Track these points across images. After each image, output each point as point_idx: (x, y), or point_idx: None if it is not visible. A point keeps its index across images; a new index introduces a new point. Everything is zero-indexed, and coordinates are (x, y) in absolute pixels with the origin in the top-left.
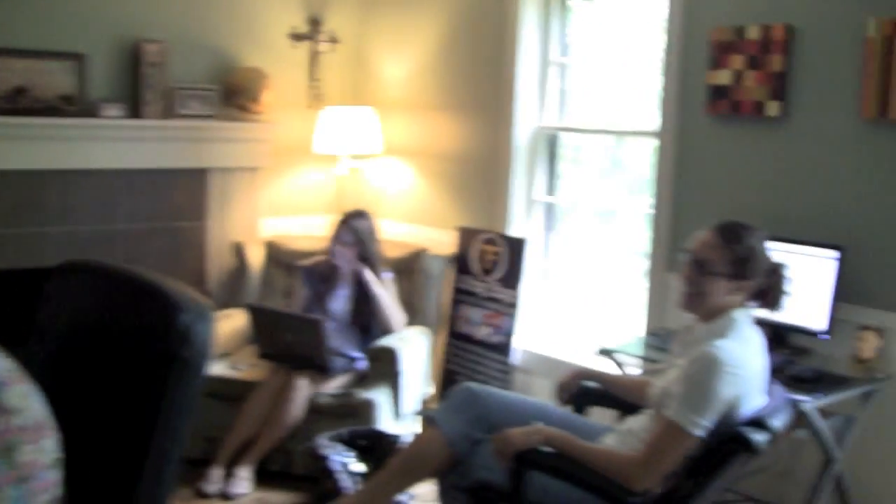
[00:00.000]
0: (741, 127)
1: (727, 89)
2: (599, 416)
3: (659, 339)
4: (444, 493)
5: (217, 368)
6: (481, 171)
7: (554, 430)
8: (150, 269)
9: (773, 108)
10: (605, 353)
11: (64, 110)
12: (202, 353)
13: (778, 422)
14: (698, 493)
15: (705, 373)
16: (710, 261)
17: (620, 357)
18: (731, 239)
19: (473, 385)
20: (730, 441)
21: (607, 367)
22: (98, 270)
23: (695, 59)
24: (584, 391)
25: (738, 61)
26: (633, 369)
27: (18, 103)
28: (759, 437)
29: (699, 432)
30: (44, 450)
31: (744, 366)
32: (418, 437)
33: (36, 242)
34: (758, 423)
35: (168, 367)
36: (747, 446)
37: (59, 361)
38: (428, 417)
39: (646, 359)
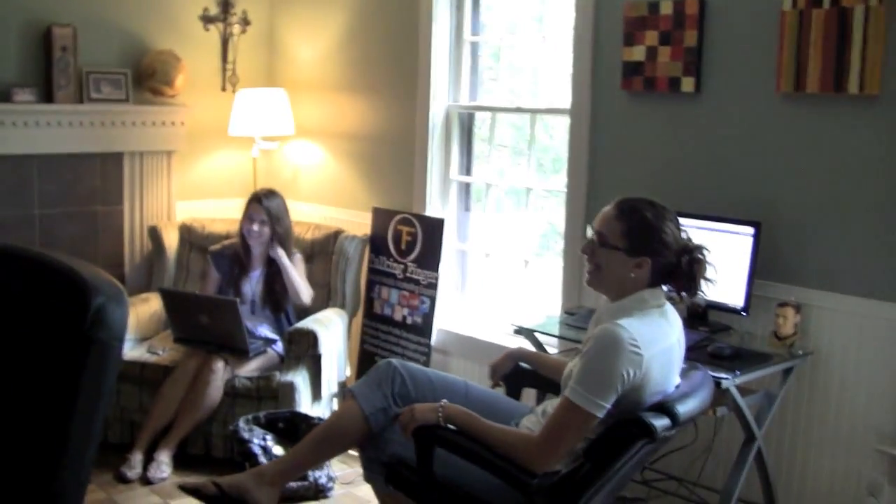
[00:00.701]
0: (656, 103)
1: (641, 65)
2: (532, 397)
3: (576, 318)
4: (366, 466)
5: (135, 353)
6: (397, 151)
7: (457, 408)
8: (65, 254)
9: (687, 84)
10: (522, 332)
11: None
12: (117, 335)
13: (685, 407)
14: (599, 474)
15: (602, 350)
16: (606, 234)
17: (539, 337)
18: (627, 211)
19: (395, 361)
20: (629, 425)
21: (530, 346)
22: (9, 253)
23: (608, 36)
24: (516, 372)
25: (651, 37)
26: (553, 349)
27: None
28: (660, 423)
29: (596, 412)
30: None
31: (647, 346)
32: (337, 411)
33: None
34: (661, 407)
35: (83, 349)
36: (647, 432)
37: None
38: (347, 391)
39: (563, 338)
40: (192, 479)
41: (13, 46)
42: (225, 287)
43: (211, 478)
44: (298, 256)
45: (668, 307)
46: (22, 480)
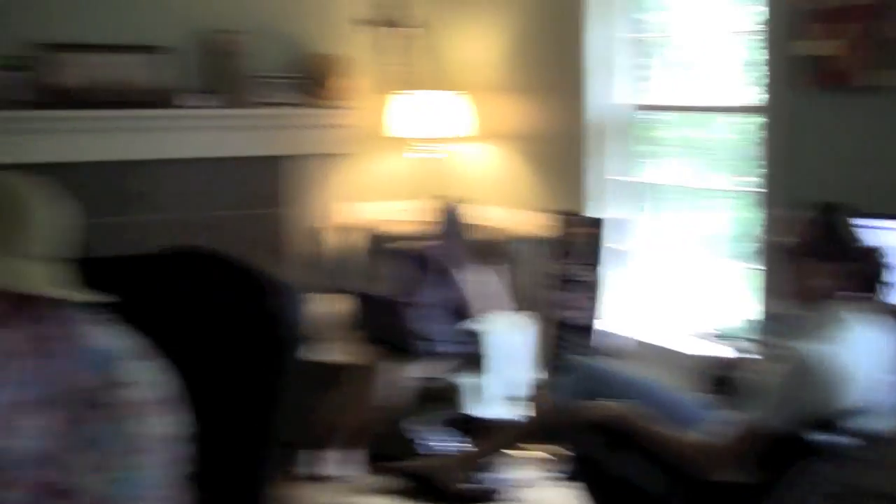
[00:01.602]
0: (851, 99)
1: (836, 60)
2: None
3: (772, 324)
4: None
5: (317, 353)
6: (564, 151)
7: (631, 410)
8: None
9: (886, 78)
10: (721, 336)
11: (144, 102)
12: (297, 334)
13: (868, 422)
14: (770, 489)
15: (792, 375)
16: (797, 242)
17: (736, 342)
18: (822, 219)
19: (582, 359)
20: (793, 441)
21: (723, 351)
22: (192, 254)
23: (796, 30)
24: (719, 379)
25: (848, 30)
26: (750, 354)
27: (100, 96)
28: (824, 439)
29: (773, 428)
30: (159, 425)
31: (839, 370)
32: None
33: (119, 231)
34: (831, 423)
35: (265, 349)
36: (810, 449)
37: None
38: (536, 389)
39: (760, 343)
40: (379, 478)
41: (181, 53)
42: (407, 288)
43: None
44: (485, 267)
45: (871, 321)
46: (219, 476)
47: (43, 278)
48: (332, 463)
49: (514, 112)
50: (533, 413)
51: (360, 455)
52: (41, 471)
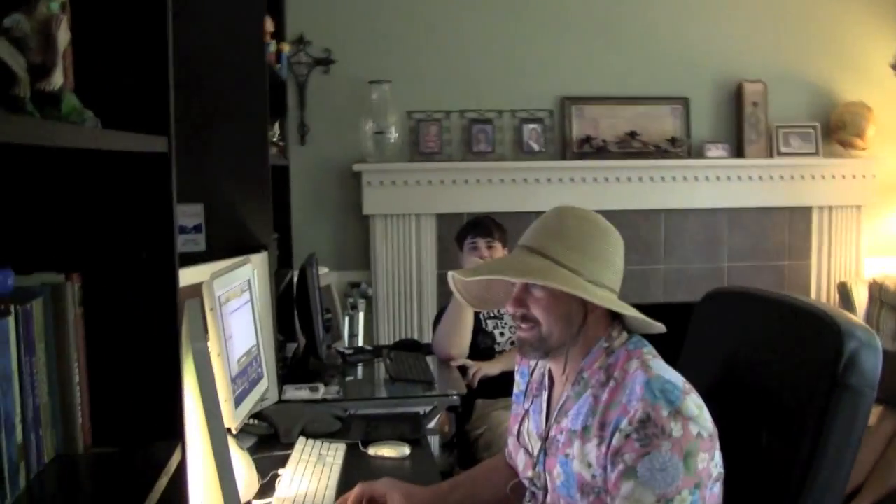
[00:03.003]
0: None
1: None
2: None
3: None
4: None
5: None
6: None
7: None
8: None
9: None
10: None
11: (671, 152)
12: (869, 381)
13: None
14: None
15: None
16: None
17: None
18: None
19: None
20: None
21: None
22: (749, 296)
23: None
24: None
25: None
26: None
27: (631, 147)
28: None
29: None
30: (714, 461)
31: None
32: None
33: (646, 279)
34: None
35: (832, 395)
36: None
37: (709, 386)
38: None
39: None
40: None
41: (705, 104)
42: None
43: None
44: None
45: None
46: None
47: (616, 305)
48: None
49: None
50: None
51: None
52: (587, 499)
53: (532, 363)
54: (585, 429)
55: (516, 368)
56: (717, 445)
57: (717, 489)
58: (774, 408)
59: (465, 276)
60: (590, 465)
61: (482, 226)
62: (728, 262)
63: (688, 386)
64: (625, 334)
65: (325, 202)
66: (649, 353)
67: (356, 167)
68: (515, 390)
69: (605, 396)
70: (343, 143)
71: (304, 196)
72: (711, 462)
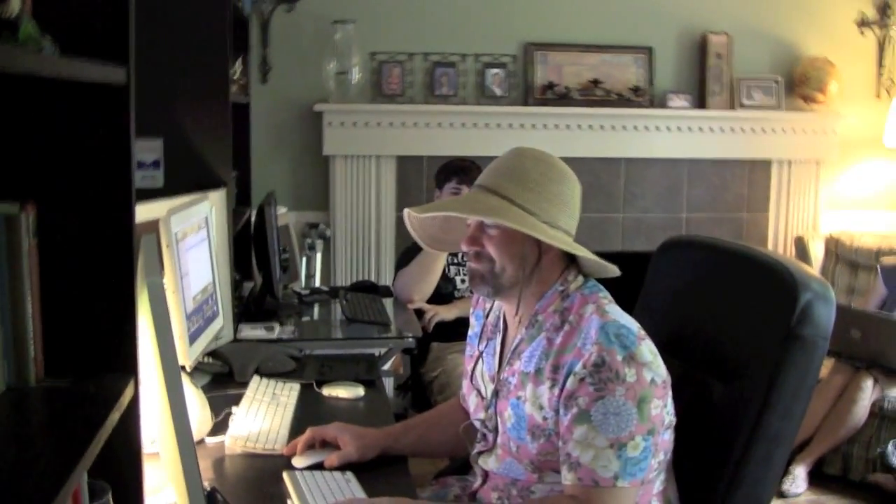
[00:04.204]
0: None
1: None
2: None
3: None
4: None
5: None
6: None
7: None
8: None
9: None
10: None
11: (633, 101)
12: (822, 333)
13: None
14: None
15: None
16: None
17: None
18: None
19: None
20: None
21: None
22: (705, 246)
23: None
24: None
25: None
26: None
27: (594, 94)
28: None
29: None
30: (667, 409)
31: None
32: None
33: (604, 227)
34: None
35: (785, 345)
36: None
37: (663, 335)
38: None
39: None
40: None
41: (668, 54)
42: (890, 303)
43: None
44: None
45: None
46: (703, 470)
47: (570, 246)
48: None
49: None
50: None
51: (802, 471)
52: (537, 442)
53: (487, 305)
54: (538, 371)
55: (471, 311)
56: (670, 393)
57: (669, 436)
58: (727, 357)
59: (420, 212)
60: (541, 408)
61: (467, 173)
62: (687, 213)
63: (642, 332)
64: (580, 278)
65: (286, 142)
66: (605, 297)
67: (318, 107)
68: (470, 332)
69: (559, 339)
70: (305, 83)
71: (264, 135)
72: (664, 409)
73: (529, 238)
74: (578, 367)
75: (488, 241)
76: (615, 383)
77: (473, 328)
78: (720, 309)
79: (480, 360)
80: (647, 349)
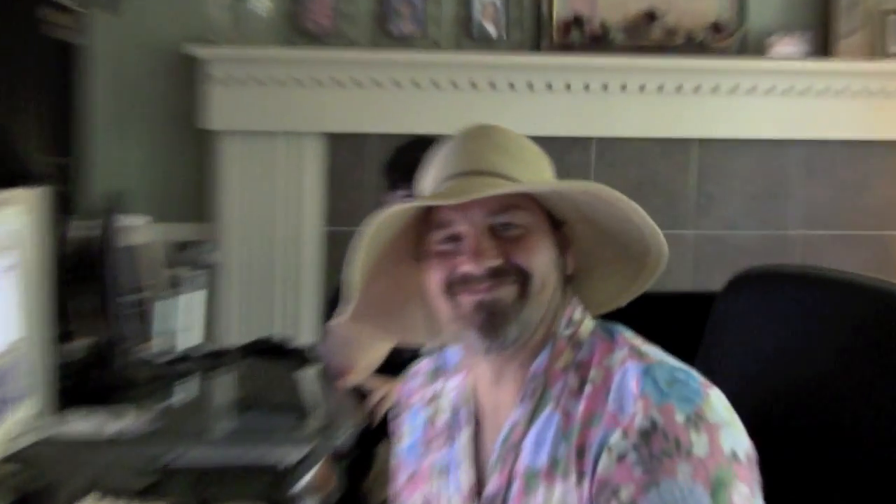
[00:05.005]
0: None
1: None
2: None
3: None
4: None
5: None
6: None
7: None
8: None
9: None
10: None
11: (713, 47)
12: None
13: None
14: None
15: None
16: None
17: None
18: None
19: None
20: None
21: None
22: (801, 277)
23: None
24: None
25: None
26: None
27: (647, 37)
28: None
29: None
30: (755, 499)
31: None
32: None
33: (671, 245)
34: None
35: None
36: None
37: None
38: None
39: None
40: None
41: None
42: None
43: None
44: None
45: None
46: None
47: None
48: None
49: None
50: None
51: None
52: None
53: (425, 398)
54: (554, 463)
55: (401, 408)
56: (757, 473)
57: None
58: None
59: (388, 216)
60: None
61: None
62: (797, 229)
63: (705, 380)
64: (588, 318)
65: (145, 108)
66: (635, 337)
67: (196, 51)
68: (404, 444)
69: (580, 409)
70: (179, 13)
71: (110, 97)
72: (753, 500)
73: (554, 239)
74: (615, 439)
75: (512, 245)
76: (676, 457)
77: (409, 437)
78: (831, 366)
79: (437, 480)
80: (720, 403)
